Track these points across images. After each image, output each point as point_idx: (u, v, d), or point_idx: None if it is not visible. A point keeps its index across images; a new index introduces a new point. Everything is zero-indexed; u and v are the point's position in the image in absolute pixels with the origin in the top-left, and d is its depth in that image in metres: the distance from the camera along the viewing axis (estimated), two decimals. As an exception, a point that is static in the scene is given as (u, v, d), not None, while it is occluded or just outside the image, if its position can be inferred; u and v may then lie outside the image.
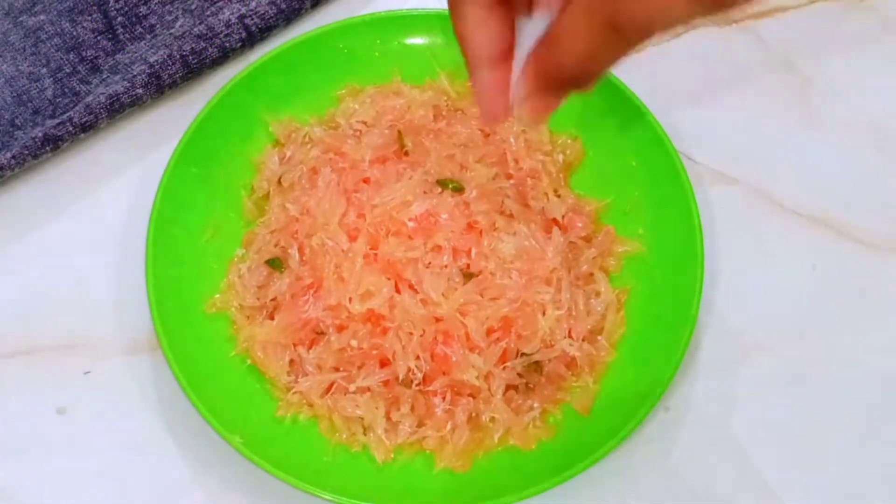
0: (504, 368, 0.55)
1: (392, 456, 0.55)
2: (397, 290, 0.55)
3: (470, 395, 0.55)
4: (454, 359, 0.54)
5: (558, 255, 0.57)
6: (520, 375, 0.56)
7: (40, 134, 0.60)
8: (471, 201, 0.57)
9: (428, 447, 0.55)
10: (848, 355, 0.59)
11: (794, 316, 0.60)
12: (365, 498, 0.52)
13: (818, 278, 0.61)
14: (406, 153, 0.60)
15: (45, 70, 0.63)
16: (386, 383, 0.55)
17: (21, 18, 0.64)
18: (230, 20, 0.64)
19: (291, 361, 0.56)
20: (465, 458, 0.54)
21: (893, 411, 0.58)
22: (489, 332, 0.55)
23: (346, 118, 0.62)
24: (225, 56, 0.64)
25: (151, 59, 0.63)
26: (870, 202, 0.63)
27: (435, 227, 0.56)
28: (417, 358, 0.54)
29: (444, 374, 0.55)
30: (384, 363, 0.55)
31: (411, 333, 0.54)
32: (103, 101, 0.61)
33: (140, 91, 0.62)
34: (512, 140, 0.60)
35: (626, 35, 0.37)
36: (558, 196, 0.60)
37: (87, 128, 0.61)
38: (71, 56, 0.63)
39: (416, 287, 0.55)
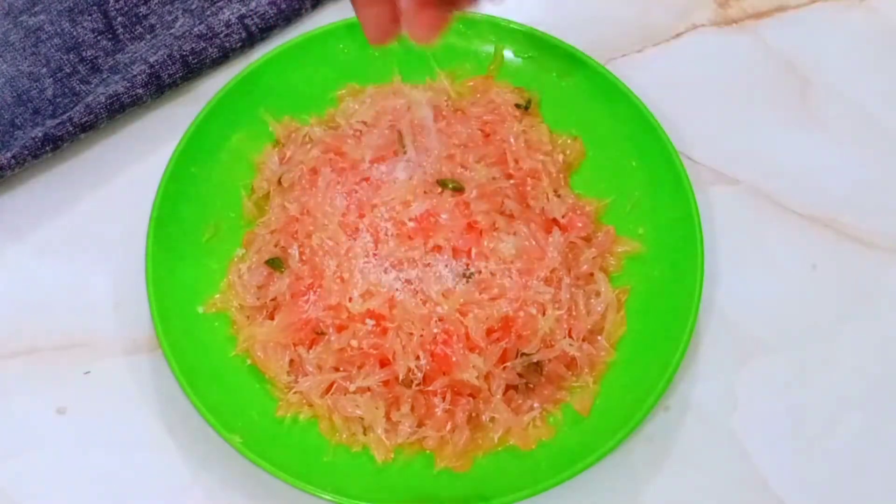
0: (504, 368, 0.55)
1: (392, 456, 0.55)
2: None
3: (470, 395, 0.55)
4: (454, 359, 0.54)
5: (558, 254, 0.57)
6: (520, 375, 0.56)
7: (40, 134, 0.60)
8: (471, 201, 0.57)
9: (428, 447, 0.55)
10: (848, 355, 0.59)
11: (794, 316, 0.60)
12: (365, 498, 0.52)
13: (818, 278, 0.61)
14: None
15: (45, 70, 0.63)
16: (386, 383, 0.55)
17: (21, 18, 0.64)
18: (230, 20, 0.64)
19: (291, 361, 0.56)
20: (465, 458, 0.54)
21: (893, 411, 0.58)
22: (489, 332, 0.55)
23: (346, 118, 0.62)
24: (225, 56, 0.64)
25: (151, 59, 0.63)
26: (870, 202, 0.63)
27: (435, 227, 0.56)
28: (417, 358, 0.54)
29: (444, 374, 0.55)
30: (384, 363, 0.55)
31: (411, 333, 0.54)
32: (103, 101, 0.61)
33: (140, 91, 0.62)
34: (512, 140, 0.60)
35: None
36: (558, 196, 0.60)
37: (87, 128, 0.61)
38: (71, 56, 0.63)
39: (416, 287, 0.55)
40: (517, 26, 0.63)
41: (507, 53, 0.63)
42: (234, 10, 0.64)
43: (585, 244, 0.59)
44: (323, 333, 0.56)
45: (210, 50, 0.63)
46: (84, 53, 0.64)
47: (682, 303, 0.56)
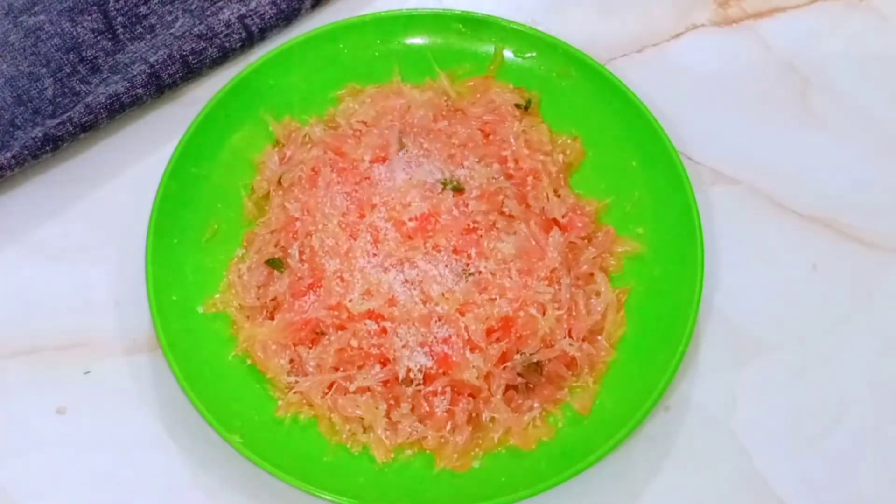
0: (504, 368, 0.55)
1: (392, 456, 0.55)
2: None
3: (470, 395, 0.55)
4: (454, 359, 0.54)
5: (558, 254, 0.57)
6: (520, 375, 0.56)
7: (40, 134, 0.60)
8: (471, 201, 0.57)
9: (428, 447, 0.55)
10: (848, 355, 0.59)
11: (794, 316, 0.60)
12: (365, 498, 0.52)
13: (818, 278, 0.61)
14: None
15: (45, 70, 0.63)
16: (386, 383, 0.55)
17: (21, 18, 0.64)
18: (230, 20, 0.64)
19: (291, 361, 0.56)
20: (465, 458, 0.54)
21: (893, 411, 0.58)
22: (489, 331, 0.55)
23: (346, 118, 0.62)
24: (225, 56, 0.64)
25: (151, 59, 0.63)
26: (870, 202, 0.63)
27: (435, 227, 0.56)
28: (417, 358, 0.54)
29: (444, 374, 0.55)
30: (384, 363, 0.55)
31: (412, 333, 0.54)
32: (103, 101, 0.61)
33: (140, 91, 0.62)
34: (512, 140, 0.60)
35: None
36: (558, 196, 0.60)
37: (87, 128, 0.61)
38: (71, 56, 0.63)
39: (416, 287, 0.55)
40: (517, 26, 0.63)
41: (507, 53, 0.63)
42: (234, 10, 0.64)
43: (585, 244, 0.59)
44: (323, 333, 0.56)
45: (210, 50, 0.64)
46: (84, 53, 0.64)
47: (682, 303, 0.56)
